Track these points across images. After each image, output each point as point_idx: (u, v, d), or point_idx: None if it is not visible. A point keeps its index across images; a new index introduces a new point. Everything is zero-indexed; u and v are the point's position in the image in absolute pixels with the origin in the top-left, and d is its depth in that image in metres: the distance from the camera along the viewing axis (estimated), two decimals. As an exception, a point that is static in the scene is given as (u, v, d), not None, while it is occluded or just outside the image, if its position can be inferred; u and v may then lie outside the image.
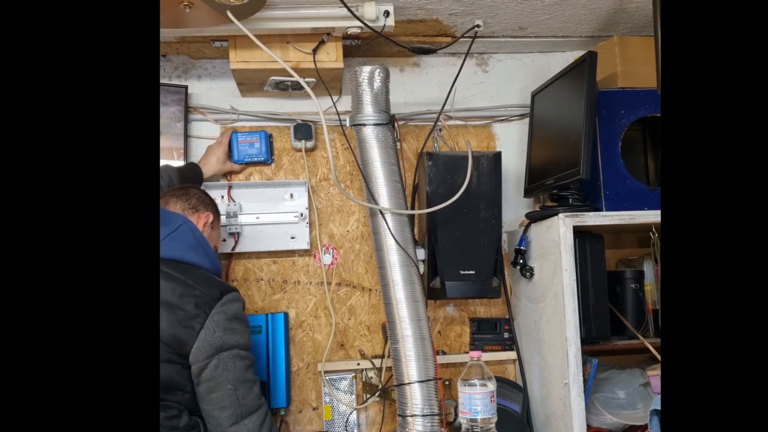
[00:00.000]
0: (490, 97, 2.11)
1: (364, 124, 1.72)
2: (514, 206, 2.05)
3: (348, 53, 1.90)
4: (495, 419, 1.51)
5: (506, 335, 1.97)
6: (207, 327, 1.40)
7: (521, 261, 1.82)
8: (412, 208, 1.93)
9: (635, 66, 1.80)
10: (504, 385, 1.88)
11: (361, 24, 1.68)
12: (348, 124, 1.78)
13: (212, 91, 2.00)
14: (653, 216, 1.65)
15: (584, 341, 1.60)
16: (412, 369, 1.62)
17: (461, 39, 1.90)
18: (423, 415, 1.59)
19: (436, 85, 2.06)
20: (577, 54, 1.81)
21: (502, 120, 2.11)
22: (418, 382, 1.61)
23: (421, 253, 1.80)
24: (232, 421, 1.42)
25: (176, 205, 1.59)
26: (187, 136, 1.92)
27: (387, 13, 1.70)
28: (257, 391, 1.47)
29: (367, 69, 1.71)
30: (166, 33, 1.74)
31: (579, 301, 1.60)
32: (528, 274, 1.80)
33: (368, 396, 1.89)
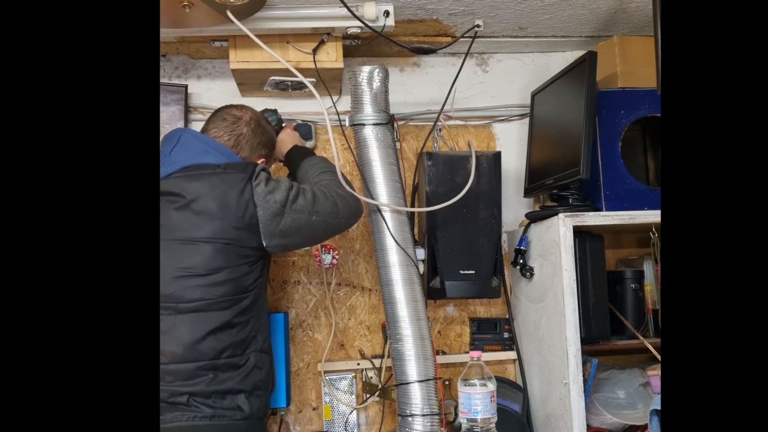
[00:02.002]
0: (490, 97, 2.11)
1: (363, 124, 1.72)
2: (514, 206, 2.05)
3: (348, 53, 1.90)
4: (495, 419, 1.51)
5: (506, 335, 1.97)
6: (260, 206, 1.38)
7: (521, 261, 1.82)
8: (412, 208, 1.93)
9: (635, 66, 1.80)
10: (504, 385, 1.88)
11: (361, 24, 1.68)
12: (347, 124, 1.78)
13: (212, 91, 2.00)
14: (653, 216, 1.65)
15: (584, 341, 1.60)
16: (411, 369, 1.62)
17: (461, 39, 1.90)
18: (423, 415, 1.59)
19: (436, 85, 2.06)
20: (577, 54, 1.81)
21: (502, 120, 2.11)
22: (418, 381, 1.61)
23: (421, 253, 1.80)
24: (336, 225, 1.51)
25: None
26: (187, 136, 1.92)
27: (387, 13, 1.70)
28: (321, 193, 1.46)
29: (366, 69, 1.71)
30: (166, 33, 1.74)
31: (579, 301, 1.60)
32: (528, 274, 1.80)
33: (368, 396, 1.89)
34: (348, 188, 1.53)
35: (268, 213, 1.39)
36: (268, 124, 1.63)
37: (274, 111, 1.75)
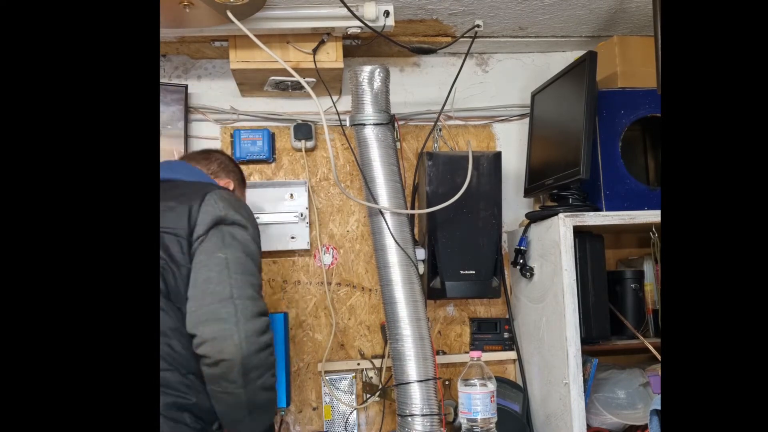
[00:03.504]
0: (490, 97, 2.11)
1: (364, 124, 1.72)
2: (514, 206, 2.05)
3: (348, 53, 1.91)
4: (495, 419, 1.51)
5: (506, 335, 1.97)
6: (207, 202, 1.26)
7: (521, 261, 1.82)
8: (412, 208, 1.93)
9: (635, 66, 1.80)
10: (504, 385, 1.88)
11: (361, 24, 1.68)
12: (348, 124, 1.78)
13: (212, 91, 2.00)
14: (653, 216, 1.65)
15: (584, 341, 1.60)
16: (411, 369, 1.62)
17: (461, 39, 1.91)
18: (422, 415, 1.59)
19: (436, 85, 2.06)
20: (577, 54, 1.81)
21: (502, 120, 2.11)
22: (418, 381, 1.61)
23: (421, 253, 1.80)
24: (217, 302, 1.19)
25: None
26: (187, 136, 1.92)
27: (387, 13, 1.70)
28: (256, 293, 1.24)
29: (367, 69, 1.71)
30: (166, 33, 1.74)
31: (579, 301, 1.60)
32: (528, 274, 1.80)
33: (368, 396, 1.89)
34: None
35: (207, 212, 1.29)
36: (236, 165, 1.63)
37: None
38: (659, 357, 1.69)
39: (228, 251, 1.23)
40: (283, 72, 1.77)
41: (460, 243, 1.81)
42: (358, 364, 1.92)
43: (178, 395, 1.21)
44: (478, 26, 1.87)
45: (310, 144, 1.97)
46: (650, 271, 1.87)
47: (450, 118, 2.06)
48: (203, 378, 1.22)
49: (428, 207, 1.78)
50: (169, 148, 1.88)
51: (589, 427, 1.63)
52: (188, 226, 1.24)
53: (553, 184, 1.74)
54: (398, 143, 1.83)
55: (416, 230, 1.93)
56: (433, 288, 1.81)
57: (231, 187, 1.53)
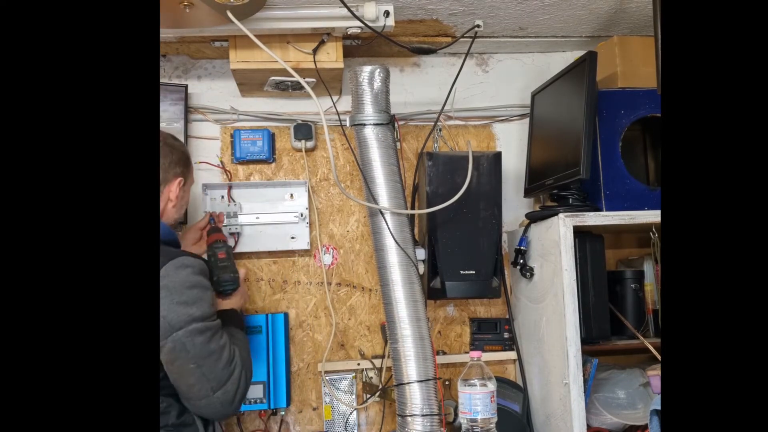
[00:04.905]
0: (490, 97, 2.11)
1: (364, 124, 1.72)
2: (514, 206, 2.05)
3: (348, 53, 1.91)
4: (495, 419, 1.51)
5: (506, 335, 1.97)
6: None
7: (521, 261, 1.82)
8: (412, 208, 1.93)
9: (635, 66, 1.80)
10: (504, 385, 1.88)
11: (361, 24, 1.68)
12: (348, 124, 1.78)
13: (212, 91, 2.00)
14: (653, 216, 1.65)
15: (584, 341, 1.60)
16: (411, 369, 1.62)
17: (461, 39, 1.91)
18: (422, 415, 1.59)
19: (436, 85, 2.06)
20: (577, 54, 1.81)
21: (502, 120, 2.11)
22: (418, 381, 1.61)
23: (421, 253, 1.80)
24: (202, 395, 1.33)
25: None
26: (187, 136, 1.92)
27: (387, 13, 1.70)
28: (226, 358, 1.35)
29: (367, 69, 1.71)
30: (166, 33, 1.74)
31: (579, 301, 1.60)
32: (528, 274, 1.80)
33: (368, 396, 1.89)
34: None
35: None
36: (175, 141, 1.51)
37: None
38: (659, 357, 1.69)
39: (193, 355, 1.31)
40: (283, 72, 1.77)
41: (460, 243, 1.81)
42: (358, 364, 1.92)
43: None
44: (478, 26, 1.87)
45: (310, 144, 1.97)
46: (650, 271, 1.87)
47: (450, 118, 2.07)
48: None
49: (428, 207, 1.78)
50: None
51: (589, 427, 1.63)
52: None
53: (553, 184, 1.74)
54: (398, 143, 1.82)
55: (416, 230, 1.93)
56: (433, 288, 1.81)
57: (181, 184, 1.47)
